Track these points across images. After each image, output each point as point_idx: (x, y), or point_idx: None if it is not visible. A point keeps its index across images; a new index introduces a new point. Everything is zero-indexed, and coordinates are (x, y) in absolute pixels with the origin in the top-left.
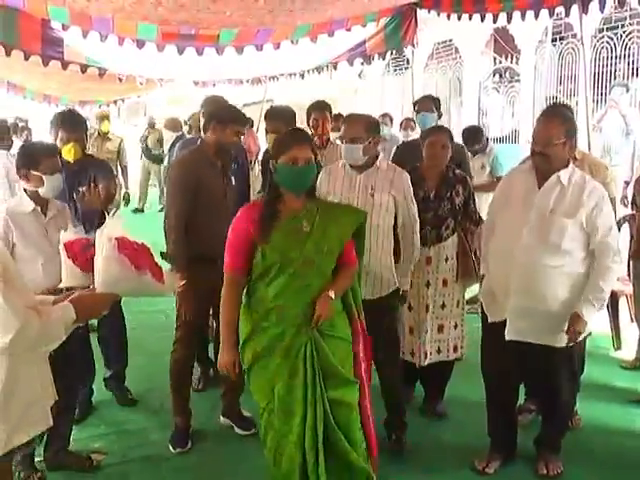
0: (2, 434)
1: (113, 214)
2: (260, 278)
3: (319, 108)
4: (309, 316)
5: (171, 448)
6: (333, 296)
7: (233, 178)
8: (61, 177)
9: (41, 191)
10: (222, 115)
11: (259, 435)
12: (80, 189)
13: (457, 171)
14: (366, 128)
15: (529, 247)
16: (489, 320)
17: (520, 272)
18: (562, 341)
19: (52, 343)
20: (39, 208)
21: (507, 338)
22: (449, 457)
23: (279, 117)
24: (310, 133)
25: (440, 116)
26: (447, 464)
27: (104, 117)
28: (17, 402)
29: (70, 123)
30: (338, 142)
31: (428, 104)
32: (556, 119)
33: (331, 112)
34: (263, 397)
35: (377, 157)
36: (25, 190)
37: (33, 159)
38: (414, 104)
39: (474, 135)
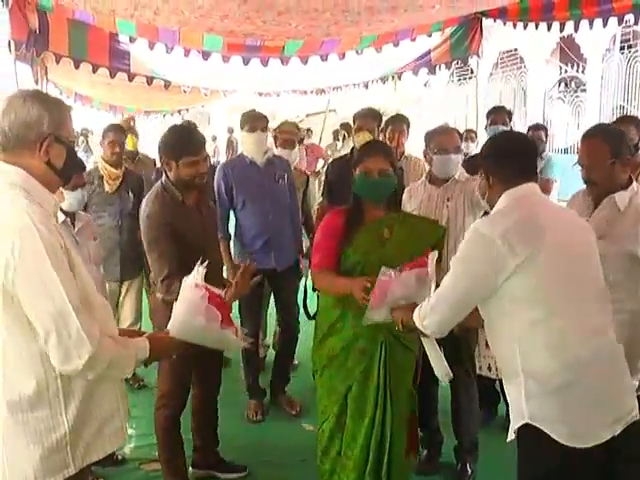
0: (79, 451)
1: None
2: None
3: (397, 121)
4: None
5: None
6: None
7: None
8: (82, 192)
9: (63, 205)
10: (171, 148)
11: None
12: None
13: None
14: (459, 138)
15: None
16: None
17: None
18: None
19: (119, 375)
20: (69, 219)
21: None
22: None
23: (368, 114)
24: None
25: (511, 129)
26: None
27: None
28: (93, 419)
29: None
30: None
31: (503, 117)
32: (595, 139)
33: (409, 126)
34: (335, 398)
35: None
36: None
37: None
38: (487, 115)
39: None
